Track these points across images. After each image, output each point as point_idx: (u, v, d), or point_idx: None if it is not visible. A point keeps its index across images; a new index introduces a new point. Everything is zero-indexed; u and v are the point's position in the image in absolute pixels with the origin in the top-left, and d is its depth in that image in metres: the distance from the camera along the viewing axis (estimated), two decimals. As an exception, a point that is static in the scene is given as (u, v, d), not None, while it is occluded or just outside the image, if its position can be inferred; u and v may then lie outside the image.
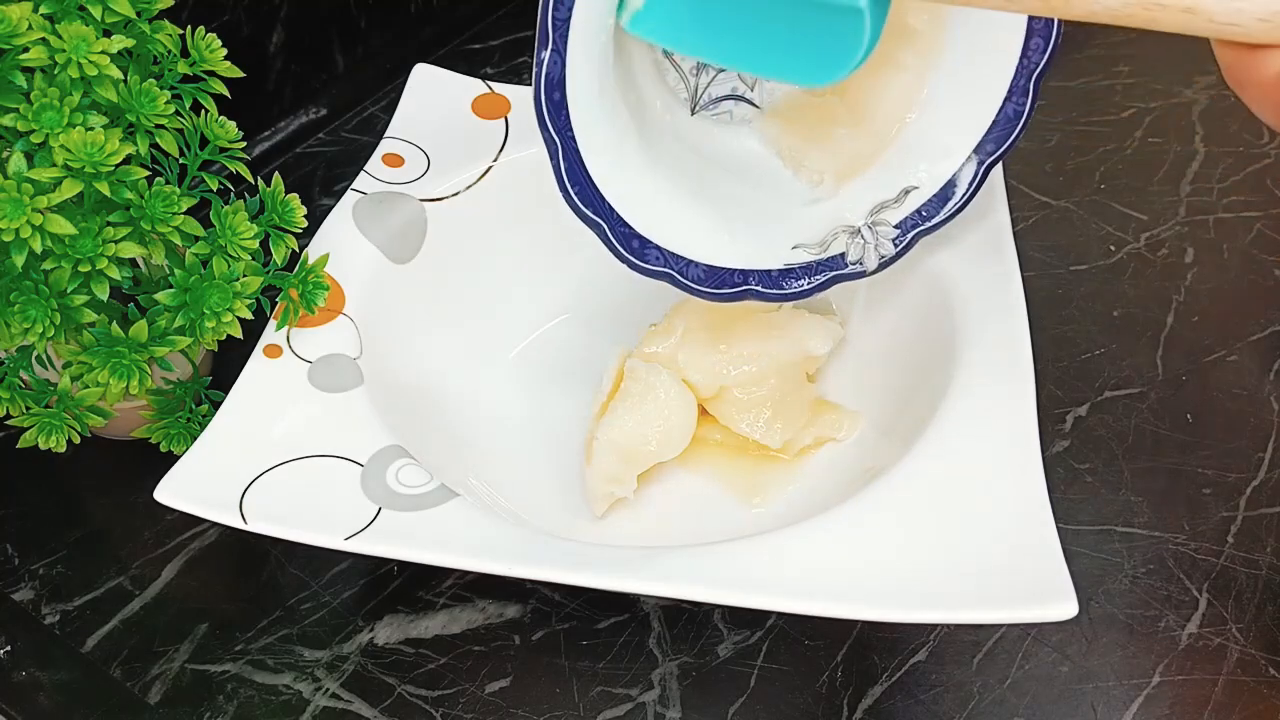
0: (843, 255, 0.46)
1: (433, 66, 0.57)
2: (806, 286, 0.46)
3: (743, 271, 0.45)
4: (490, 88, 0.56)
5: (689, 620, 0.45)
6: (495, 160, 0.53)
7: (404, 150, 0.53)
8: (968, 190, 0.46)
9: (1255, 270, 0.57)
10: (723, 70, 0.47)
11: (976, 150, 0.45)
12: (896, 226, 0.46)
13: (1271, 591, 0.45)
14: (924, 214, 0.46)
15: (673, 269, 0.44)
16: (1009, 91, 0.44)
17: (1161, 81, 0.68)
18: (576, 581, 0.37)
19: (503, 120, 0.54)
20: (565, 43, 0.39)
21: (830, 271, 0.46)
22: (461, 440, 0.47)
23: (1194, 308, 0.56)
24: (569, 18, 0.38)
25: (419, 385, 0.48)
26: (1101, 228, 0.60)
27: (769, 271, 0.46)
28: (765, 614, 0.44)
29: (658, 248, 0.44)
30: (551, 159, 0.41)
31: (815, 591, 0.36)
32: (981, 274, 0.46)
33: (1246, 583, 0.45)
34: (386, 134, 0.53)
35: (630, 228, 0.43)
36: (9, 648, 0.44)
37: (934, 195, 0.46)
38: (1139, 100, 0.67)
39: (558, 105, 0.40)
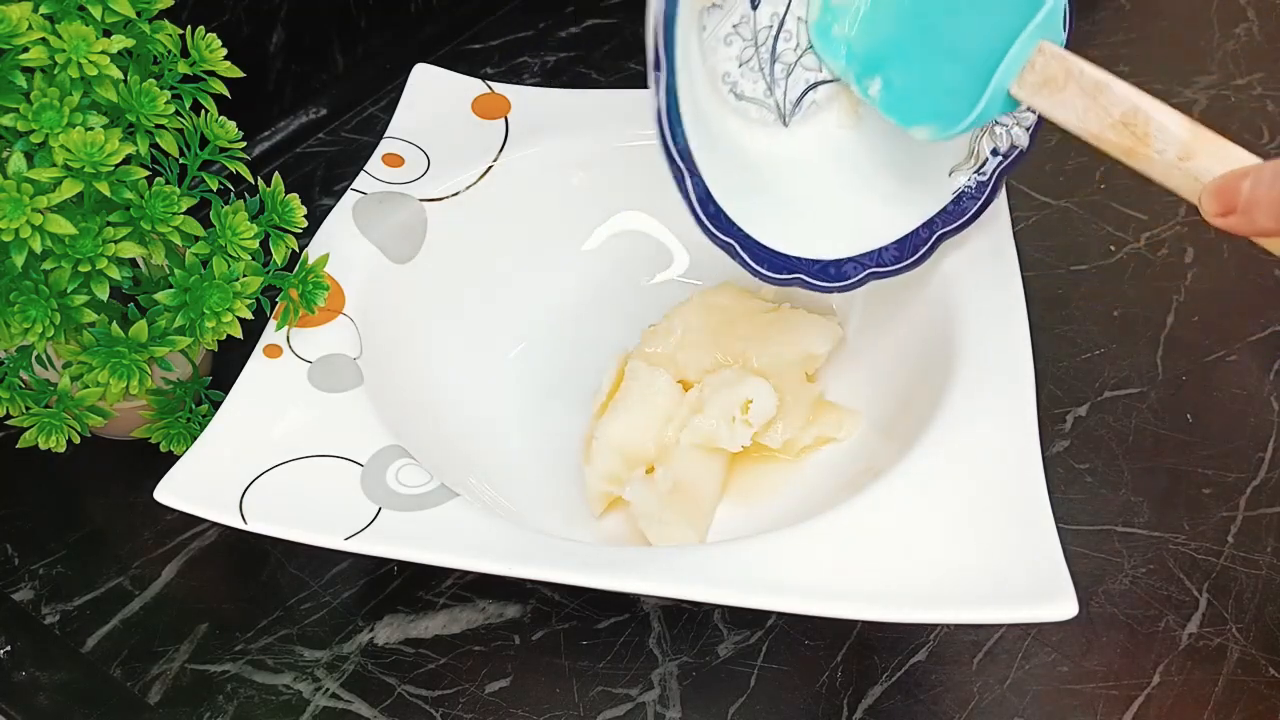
0: (995, 150, 0.47)
1: (433, 66, 0.57)
2: (984, 197, 0.47)
3: (857, 259, 0.46)
4: (490, 88, 0.56)
5: (689, 620, 0.45)
6: (495, 160, 0.53)
7: (404, 150, 0.53)
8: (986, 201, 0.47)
9: (1255, 270, 0.57)
10: (788, 73, 0.47)
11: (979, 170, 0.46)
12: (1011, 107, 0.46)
13: (1271, 591, 0.45)
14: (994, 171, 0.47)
15: (799, 272, 0.45)
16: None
17: (1161, 81, 0.68)
18: (576, 581, 0.37)
19: (503, 120, 0.54)
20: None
21: (995, 166, 0.47)
22: (461, 440, 0.47)
23: (1194, 308, 0.56)
24: (673, 40, 0.38)
25: (419, 385, 0.48)
26: (1101, 228, 0.60)
27: (890, 245, 0.46)
28: (765, 614, 0.44)
29: (783, 255, 0.44)
30: (680, 189, 0.40)
31: (815, 591, 0.36)
32: (981, 274, 0.46)
33: (1246, 583, 0.45)
34: (386, 134, 0.53)
35: (759, 243, 0.44)
36: (9, 648, 0.44)
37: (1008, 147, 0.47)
38: (1139, 100, 0.67)
39: (675, 132, 0.39)
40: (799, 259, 0.45)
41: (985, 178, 0.47)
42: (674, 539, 0.44)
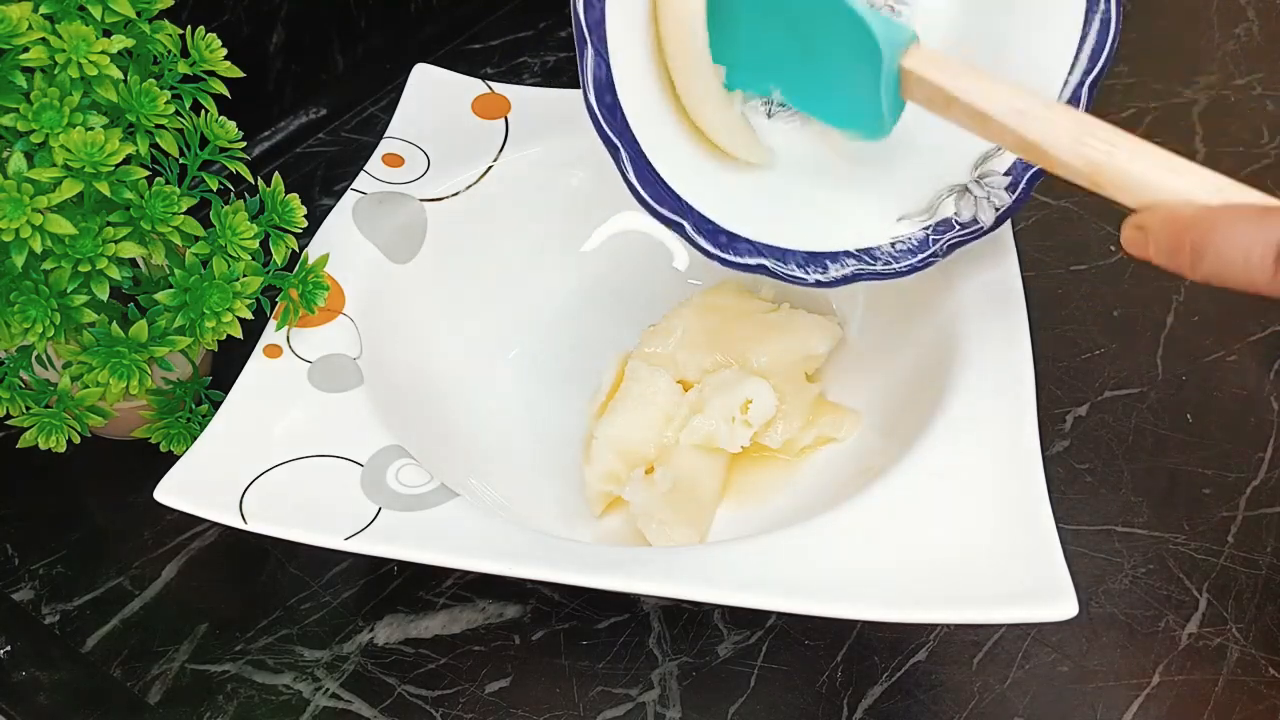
0: (954, 217, 0.43)
1: (433, 66, 0.57)
2: (918, 259, 0.43)
3: (845, 252, 0.43)
4: (490, 88, 0.56)
5: (689, 620, 0.45)
6: (495, 160, 0.53)
7: (404, 150, 0.53)
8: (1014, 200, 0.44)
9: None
10: None
11: (1072, 71, 0.43)
12: (1006, 174, 0.43)
13: (1271, 591, 0.45)
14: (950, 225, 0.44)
15: (767, 258, 0.42)
16: (1089, 3, 0.42)
17: (1161, 81, 0.68)
18: (576, 581, 0.37)
19: (503, 120, 0.54)
20: (605, 45, 0.38)
21: (944, 236, 0.43)
22: (461, 440, 0.47)
23: (1194, 308, 0.56)
24: (602, 19, 0.37)
25: (419, 385, 0.48)
26: (1101, 228, 0.60)
27: (876, 249, 0.44)
28: (765, 614, 0.44)
29: (748, 240, 0.42)
30: (615, 163, 0.39)
31: (815, 591, 0.36)
32: (981, 274, 0.46)
33: (1246, 583, 0.45)
34: (386, 134, 0.53)
35: (714, 223, 0.41)
36: (9, 648, 0.44)
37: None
38: (1139, 100, 0.67)
39: (611, 108, 0.38)
40: (762, 244, 0.42)
41: (929, 244, 0.44)
42: (673, 539, 0.44)
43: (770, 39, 0.41)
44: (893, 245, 0.44)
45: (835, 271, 0.44)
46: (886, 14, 0.43)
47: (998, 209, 0.44)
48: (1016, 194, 0.44)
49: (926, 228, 0.44)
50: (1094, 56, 0.42)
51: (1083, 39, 0.43)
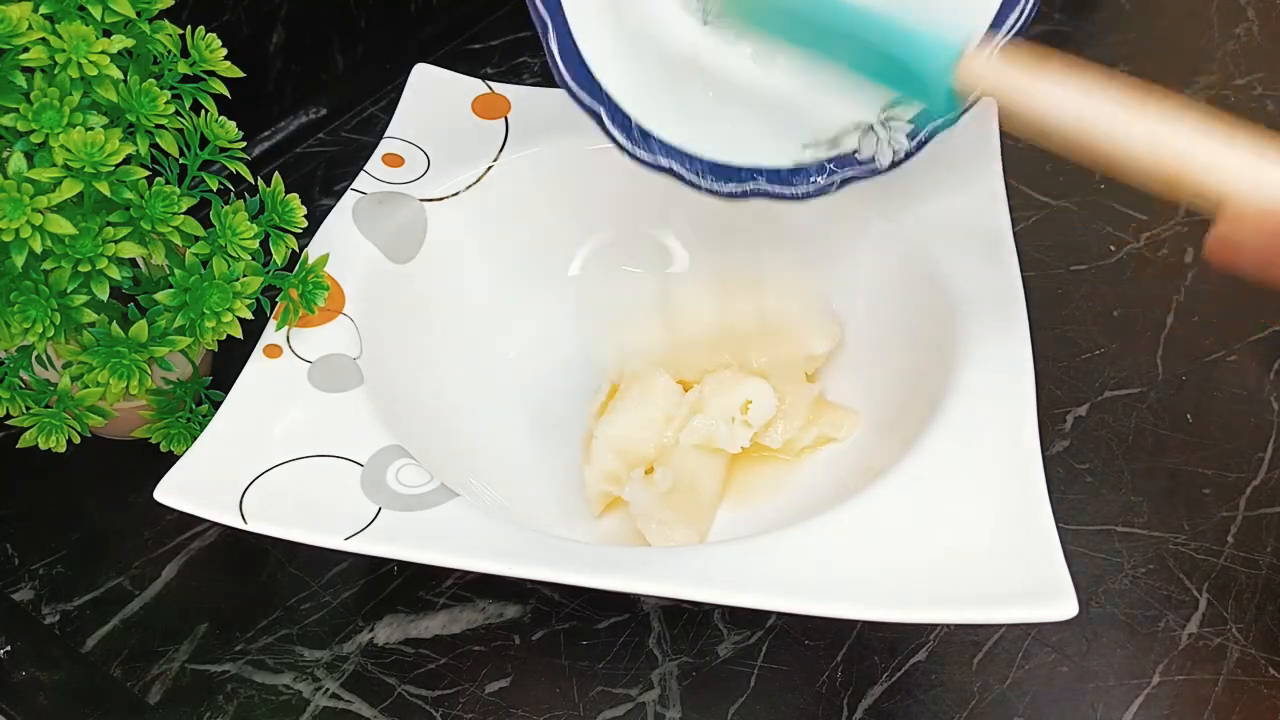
0: (855, 153, 0.45)
1: (433, 66, 0.57)
2: (818, 185, 0.44)
3: (750, 169, 0.44)
4: (490, 88, 0.56)
5: (689, 620, 0.45)
6: (495, 160, 0.53)
7: (404, 150, 0.53)
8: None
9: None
10: None
11: (988, 37, 0.43)
12: (911, 122, 0.44)
13: (1271, 591, 0.45)
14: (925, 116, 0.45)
15: (676, 161, 0.43)
16: None
17: (1161, 81, 0.68)
18: (576, 581, 0.37)
19: (503, 120, 0.54)
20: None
21: (841, 170, 0.45)
22: (461, 440, 0.47)
23: (1194, 308, 0.56)
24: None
25: (419, 385, 0.48)
26: (1101, 228, 0.60)
27: (778, 170, 0.44)
28: (765, 614, 0.44)
29: (660, 140, 0.43)
30: (542, 39, 0.40)
31: (815, 591, 0.36)
32: (981, 274, 0.46)
33: (1246, 583, 0.45)
34: (386, 134, 0.53)
35: (629, 118, 0.42)
36: (9, 648, 0.44)
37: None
38: (1139, 100, 0.67)
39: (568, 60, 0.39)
40: (672, 146, 0.43)
41: (826, 174, 0.45)
42: (673, 539, 0.44)
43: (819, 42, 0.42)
44: (794, 170, 0.45)
45: (736, 186, 0.45)
46: None
47: (895, 153, 0.45)
48: (914, 142, 0.45)
49: (829, 159, 0.45)
50: (1008, 24, 0.43)
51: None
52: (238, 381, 0.43)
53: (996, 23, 0.44)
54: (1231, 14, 0.74)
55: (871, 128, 0.44)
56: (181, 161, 0.44)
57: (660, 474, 0.45)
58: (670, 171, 0.44)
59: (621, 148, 0.43)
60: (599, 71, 0.41)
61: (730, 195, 0.44)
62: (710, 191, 0.45)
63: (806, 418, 0.48)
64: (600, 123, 0.42)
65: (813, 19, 0.41)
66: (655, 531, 0.44)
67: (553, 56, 0.41)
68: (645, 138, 0.43)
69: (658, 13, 0.45)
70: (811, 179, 0.45)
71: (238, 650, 0.44)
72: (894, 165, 0.45)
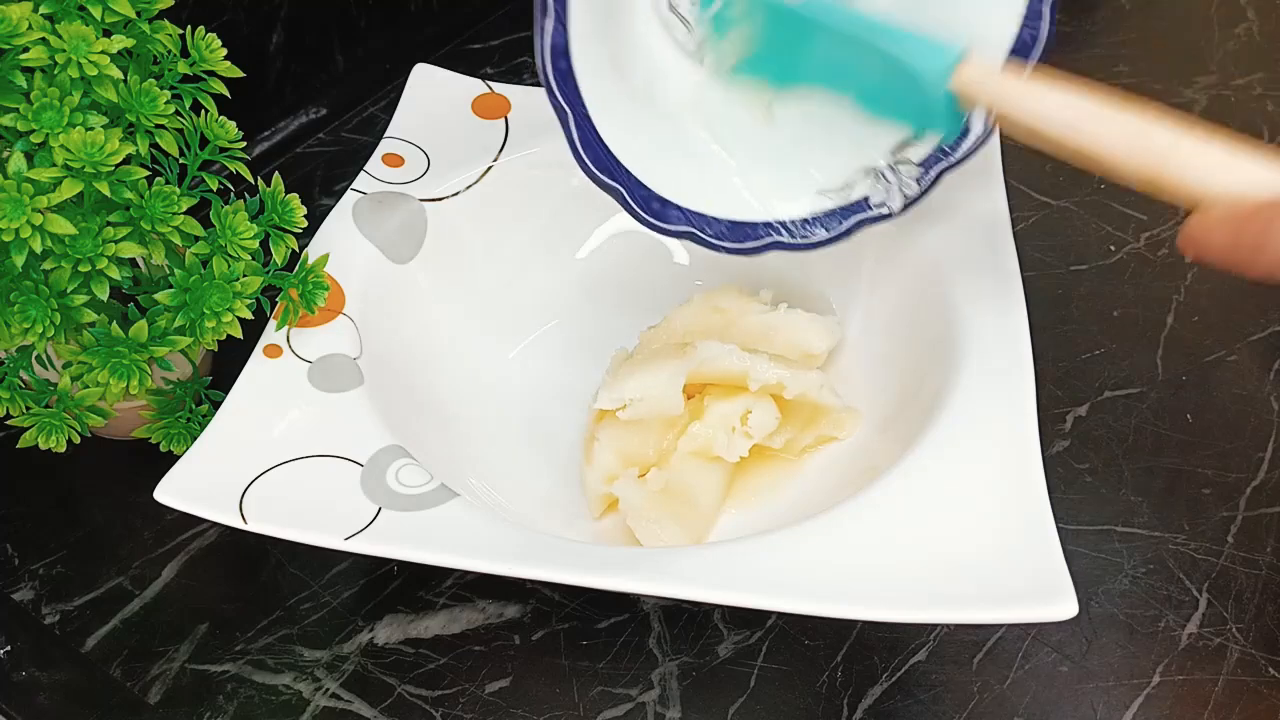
0: (866, 199, 0.45)
1: (433, 66, 0.57)
2: (831, 234, 0.45)
3: (765, 224, 0.45)
4: (490, 88, 0.56)
5: (689, 620, 0.45)
6: (495, 160, 0.53)
7: (404, 150, 0.53)
8: (990, 122, 0.45)
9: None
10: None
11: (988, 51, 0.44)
12: (920, 165, 0.45)
13: (1271, 591, 0.45)
14: (946, 149, 0.45)
15: (694, 227, 0.44)
16: (1025, 16, 0.44)
17: (1161, 81, 0.68)
18: (576, 581, 0.37)
19: (503, 120, 0.54)
20: (566, 11, 0.39)
21: (854, 216, 0.45)
22: (461, 440, 0.47)
23: (1194, 308, 0.56)
24: None
25: (419, 385, 0.48)
26: (1101, 228, 0.60)
27: (792, 222, 0.45)
28: (765, 614, 0.44)
29: (678, 208, 0.44)
30: (563, 127, 0.41)
31: (815, 591, 0.36)
32: (981, 274, 0.46)
33: (1246, 583, 0.45)
34: (386, 134, 0.53)
35: (649, 189, 0.43)
36: (9, 648, 0.44)
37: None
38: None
39: (564, 74, 0.40)
40: (690, 211, 0.44)
41: (840, 222, 0.46)
42: (663, 539, 0.44)
43: (817, 68, 0.43)
44: (808, 220, 0.46)
45: (754, 242, 0.45)
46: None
47: (906, 197, 0.45)
48: (924, 186, 0.46)
49: (840, 206, 0.46)
50: (1024, 47, 0.44)
51: (1021, 29, 0.44)
52: (238, 381, 0.43)
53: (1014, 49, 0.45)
54: (1231, 14, 0.74)
55: (881, 174, 0.45)
56: (181, 161, 0.44)
57: (654, 474, 0.45)
58: (690, 236, 0.45)
59: (644, 222, 0.44)
60: (615, 147, 0.42)
61: (748, 252, 0.45)
62: (729, 251, 0.45)
63: (806, 418, 0.48)
64: (623, 201, 0.43)
65: (816, 33, 0.42)
66: (645, 530, 0.44)
67: (574, 145, 0.42)
68: (664, 206, 0.44)
69: (659, 65, 0.45)
70: (826, 228, 0.46)
71: (238, 650, 0.44)
72: (906, 208, 0.46)
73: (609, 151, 0.42)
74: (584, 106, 0.40)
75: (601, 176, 0.41)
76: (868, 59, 0.42)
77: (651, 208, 0.43)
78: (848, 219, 0.46)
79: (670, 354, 0.47)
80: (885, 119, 0.44)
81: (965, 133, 0.45)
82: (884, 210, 0.46)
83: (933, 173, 0.45)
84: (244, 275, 0.42)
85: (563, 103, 0.40)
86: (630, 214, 0.43)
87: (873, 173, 0.45)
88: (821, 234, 0.46)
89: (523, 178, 0.53)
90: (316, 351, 0.44)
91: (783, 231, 0.45)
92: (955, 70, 0.40)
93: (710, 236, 0.44)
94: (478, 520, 0.39)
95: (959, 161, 0.45)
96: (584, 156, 0.41)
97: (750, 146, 0.47)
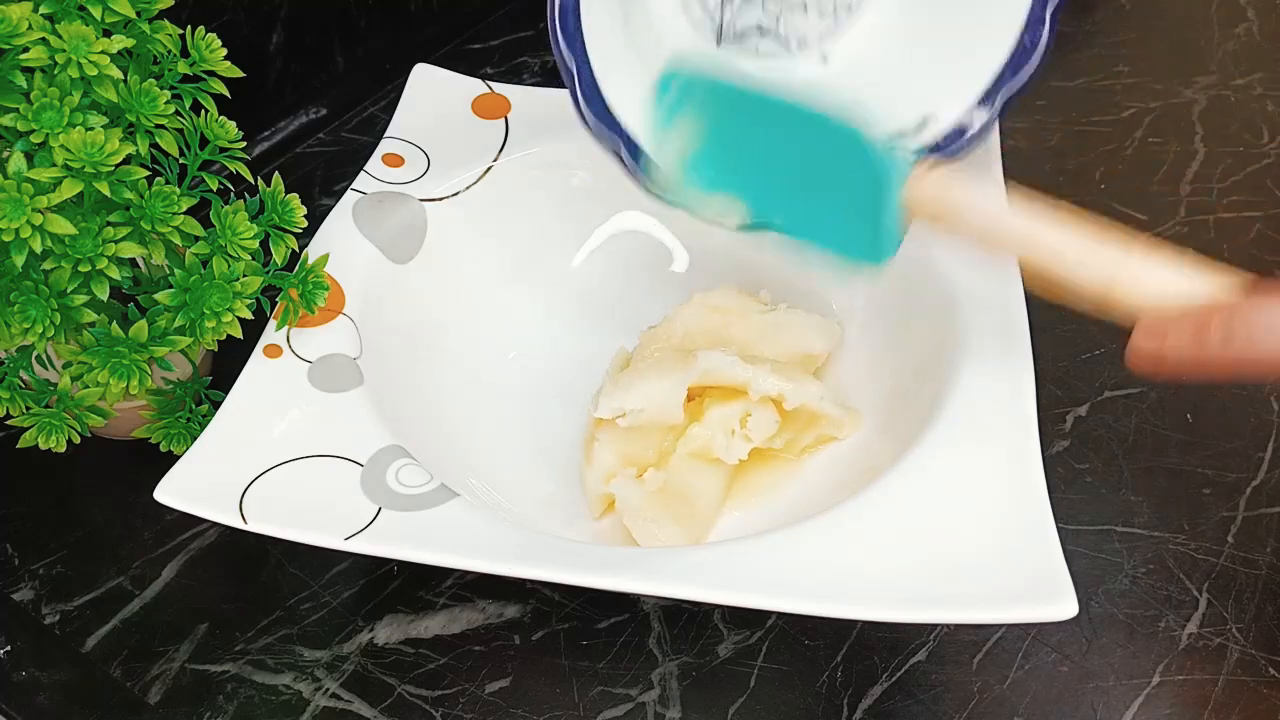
0: None
1: (433, 66, 0.57)
2: None
3: None
4: (490, 88, 0.56)
5: (689, 620, 0.45)
6: (495, 160, 0.53)
7: (404, 150, 0.53)
8: (985, 122, 0.46)
9: (1255, 270, 0.57)
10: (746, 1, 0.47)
11: (995, 81, 0.45)
12: (916, 152, 0.46)
13: (1271, 591, 0.45)
14: (940, 145, 0.46)
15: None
16: (1026, 23, 0.44)
17: (1161, 81, 0.68)
18: (576, 581, 0.37)
19: (503, 120, 0.54)
20: None
21: None
22: (461, 440, 0.47)
23: (1194, 308, 0.56)
24: None
25: (419, 385, 0.48)
26: (1101, 228, 0.60)
27: None
28: (765, 614, 0.44)
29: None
30: (568, 84, 0.42)
31: (815, 591, 0.36)
32: (982, 274, 0.46)
33: (1246, 583, 0.45)
34: (386, 134, 0.53)
35: (641, 149, 0.44)
36: (9, 648, 0.44)
37: (952, 127, 0.46)
38: (1139, 100, 0.67)
39: (572, 35, 0.41)
40: None
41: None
42: (659, 539, 0.44)
43: (767, 167, 0.43)
44: None
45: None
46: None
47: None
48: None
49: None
50: (1015, 71, 0.45)
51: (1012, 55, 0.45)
52: (238, 381, 0.43)
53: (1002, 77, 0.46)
54: (1231, 14, 0.74)
55: (896, 144, 0.46)
56: (181, 161, 0.44)
57: (651, 474, 0.45)
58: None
59: (641, 185, 0.45)
60: (615, 103, 0.43)
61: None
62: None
63: (808, 416, 0.48)
64: (619, 157, 0.44)
65: (767, 124, 0.42)
66: (642, 529, 0.44)
67: (577, 100, 0.43)
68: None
69: (670, 34, 0.46)
70: None
71: (238, 650, 0.44)
72: None
73: (607, 107, 0.42)
74: (589, 65, 0.41)
75: (600, 126, 0.42)
76: (824, 163, 0.42)
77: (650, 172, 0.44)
78: None
79: (671, 363, 0.46)
80: (821, 246, 0.43)
81: (963, 130, 0.45)
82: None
83: (927, 164, 0.46)
84: (244, 275, 0.42)
85: (568, 60, 0.41)
86: (626, 171, 0.44)
87: (891, 138, 0.46)
88: None
89: (523, 178, 0.53)
90: (316, 351, 0.44)
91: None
92: (911, 174, 0.40)
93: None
94: (478, 520, 0.39)
95: (952, 155, 0.46)
96: (584, 109, 0.42)
97: None
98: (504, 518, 0.41)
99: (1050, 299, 0.38)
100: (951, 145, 0.46)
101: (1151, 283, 0.36)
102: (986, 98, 0.46)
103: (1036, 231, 0.38)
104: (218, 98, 0.44)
